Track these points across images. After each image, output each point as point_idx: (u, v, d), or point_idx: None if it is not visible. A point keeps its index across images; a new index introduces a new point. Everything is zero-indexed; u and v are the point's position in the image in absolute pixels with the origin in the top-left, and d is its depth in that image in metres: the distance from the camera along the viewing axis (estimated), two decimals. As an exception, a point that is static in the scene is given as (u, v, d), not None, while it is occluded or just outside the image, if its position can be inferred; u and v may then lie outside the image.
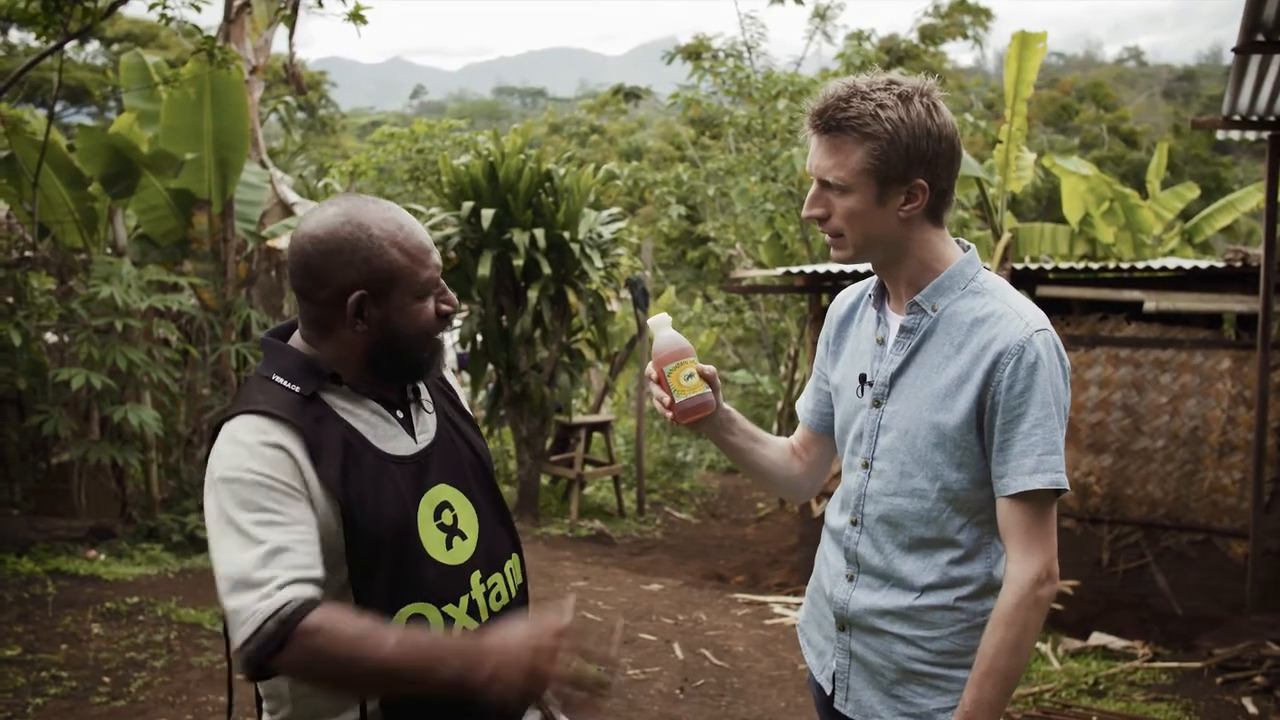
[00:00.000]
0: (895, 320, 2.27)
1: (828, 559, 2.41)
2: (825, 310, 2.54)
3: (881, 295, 2.32)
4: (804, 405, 2.58)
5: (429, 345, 2.15)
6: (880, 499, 2.25)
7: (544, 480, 11.86)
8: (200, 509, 8.44)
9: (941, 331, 2.19)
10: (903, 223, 2.16)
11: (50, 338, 8.52)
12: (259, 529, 1.87)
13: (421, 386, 2.24)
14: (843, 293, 2.49)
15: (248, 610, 1.80)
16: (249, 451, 1.94)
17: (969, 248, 2.28)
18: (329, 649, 1.80)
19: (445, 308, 2.16)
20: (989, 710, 2.11)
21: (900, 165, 2.12)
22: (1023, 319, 2.12)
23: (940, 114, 2.15)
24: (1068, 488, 2.13)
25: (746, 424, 2.50)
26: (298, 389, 2.03)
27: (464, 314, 10.63)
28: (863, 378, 2.29)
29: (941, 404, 2.16)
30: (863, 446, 2.29)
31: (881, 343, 2.28)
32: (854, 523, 2.30)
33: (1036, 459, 2.09)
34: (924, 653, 2.22)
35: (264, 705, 2.08)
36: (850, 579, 2.31)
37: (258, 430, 1.96)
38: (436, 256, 2.13)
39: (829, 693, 2.38)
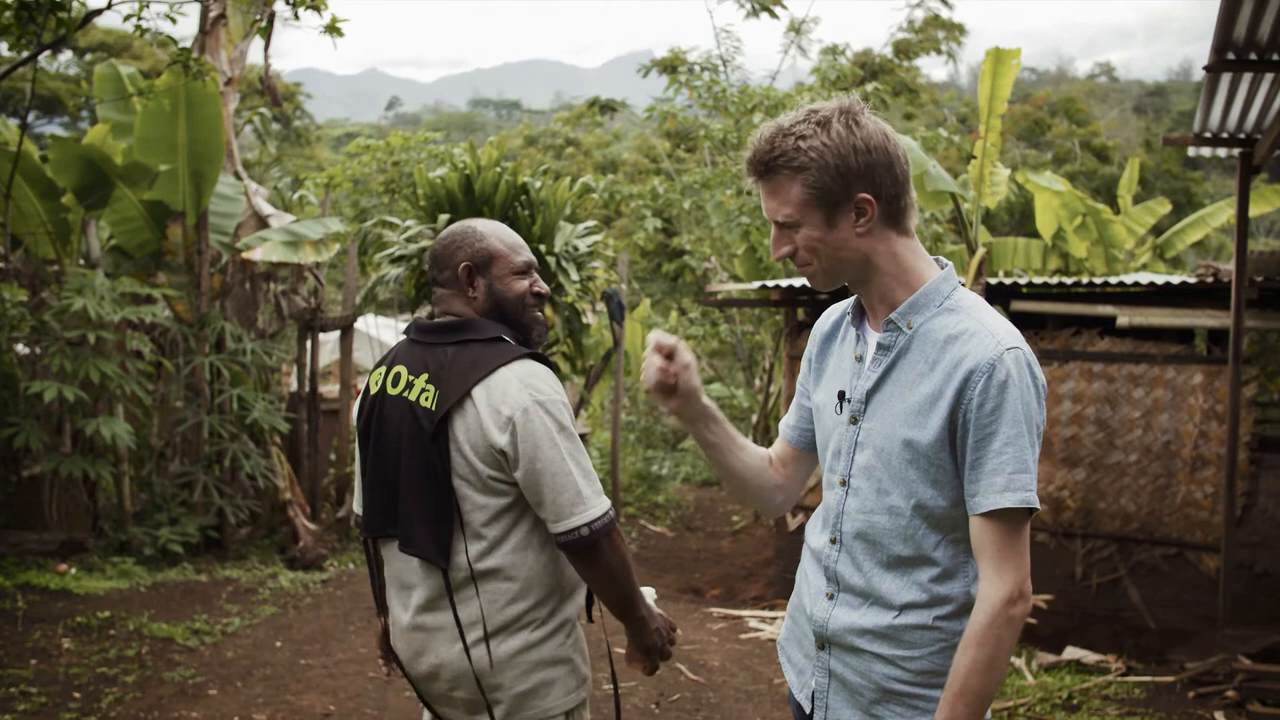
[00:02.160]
0: (873, 338, 2.28)
1: (809, 577, 2.41)
2: (800, 324, 2.59)
3: (860, 313, 2.34)
4: (786, 421, 2.59)
5: (527, 314, 2.87)
6: (858, 517, 2.25)
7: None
8: (172, 522, 8.42)
9: (916, 349, 2.20)
10: (863, 238, 2.19)
11: (22, 350, 8.46)
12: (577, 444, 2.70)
13: None
14: (827, 310, 2.52)
15: (599, 499, 2.67)
16: (553, 384, 2.71)
17: (946, 265, 2.29)
18: (621, 548, 2.73)
19: (539, 289, 2.88)
20: None
21: (838, 187, 2.16)
22: (994, 337, 2.13)
23: (861, 127, 2.18)
24: (1038, 506, 2.12)
25: (729, 426, 2.50)
26: (522, 346, 2.80)
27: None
28: (841, 395, 2.30)
29: (915, 421, 2.17)
30: (840, 464, 2.29)
31: (860, 360, 2.29)
32: (833, 541, 2.30)
33: (1007, 477, 2.09)
34: (903, 672, 2.22)
35: (485, 608, 2.71)
36: (830, 597, 2.31)
37: (541, 369, 2.71)
38: (529, 254, 2.89)
39: (808, 711, 2.37)
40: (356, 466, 2.96)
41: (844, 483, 2.29)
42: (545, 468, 2.61)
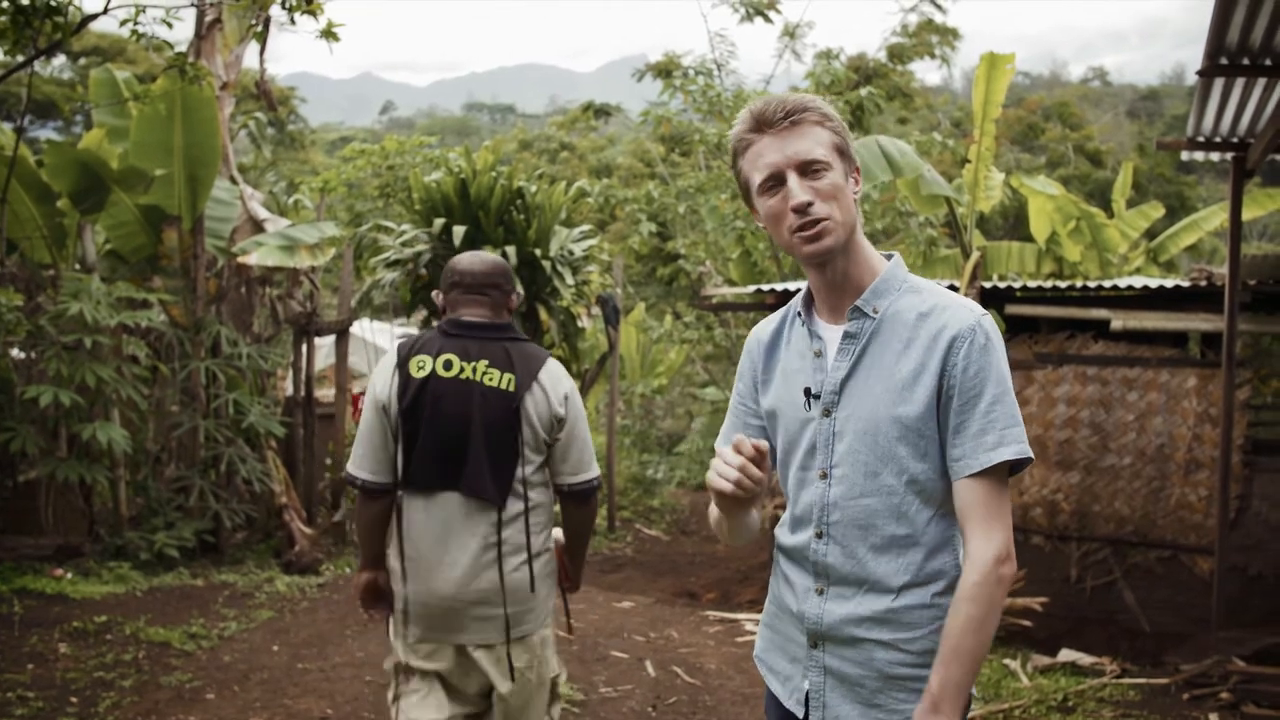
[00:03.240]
0: (832, 331, 2.33)
1: (789, 580, 2.41)
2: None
3: (809, 310, 2.39)
4: (730, 439, 2.43)
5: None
6: (846, 504, 2.27)
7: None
8: (168, 527, 8.43)
9: (887, 331, 2.26)
10: (854, 206, 2.28)
11: (17, 354, 8.45)
12: None
13: None
14: (760, 324, 2.57)
15: (596, 466, 3.70)
16: (571, 379, 3.74)
17: (893, 256, 2.37)
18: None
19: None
20: (956, 690, 2.12)
21: (848, 144, 2.29)
22: (967, 307, 2.25)
23: None
24: (1032, 455, 2.20)
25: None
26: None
27: (435, 331, 10.57)
28: (807, 391, 2.32)
29: (901, 397, 2.22)
30: (818, 458, 2.31)
31: (820, 355, 2.33)
32: (819, 535, 2.30)
33: (999, 433, 2.17)
34: (905, 655, 2.23)
35: (531, 528, 3.60)
36: (820, 593, 2.31)
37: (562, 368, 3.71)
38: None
39: (801, 716, 2.37)
40: (381, 437, 3.55)
41: (824, 475, 2.30)
42: (579, 434, 3.65)
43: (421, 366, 3.56)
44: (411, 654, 3.60)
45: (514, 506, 3.55)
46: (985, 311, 2.25)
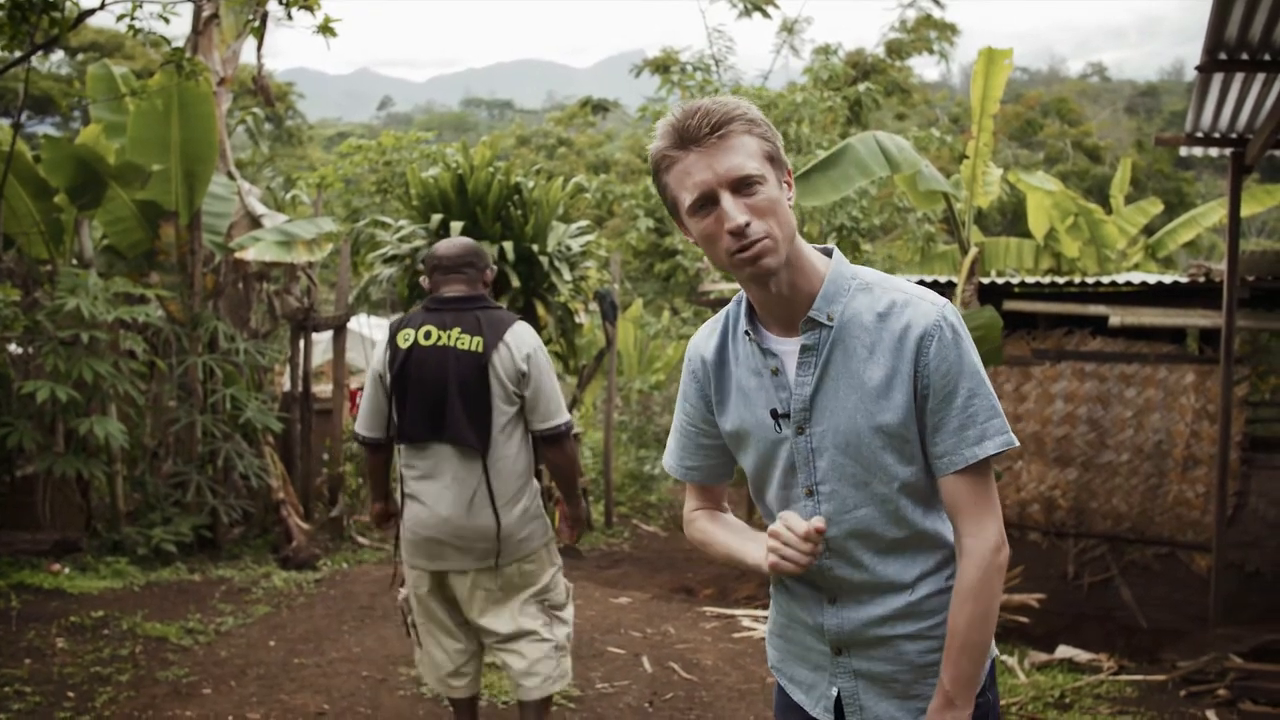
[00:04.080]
0: (786, 344, 2.21)
1: (795, 594, 2.36)
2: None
3: (754, 324, 2.25)
4: (685, 464, 2.49)
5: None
6: (841, 518, 2.20)
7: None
8: (165, 522, 8.42)
9: (847, 337, 2.15)
10: (791, 215, 2.13)
11: (15, 349, 8.44)
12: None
13: None
14: (698, 338, 2.41)
15: (565, 411, 4.31)
16: (537, 334, 4.34)
17: (832, 249, 2.25)
18: (574, 446, 4.47)
19: None
20: (968, 684, 2.13)
21: (778, 149, 2.14)
22: (927, 300, 2.15)
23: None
24: (1018, 443, 2.18)
25: (728, 537, 2.43)
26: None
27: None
28: (774, 413, 2.22)
29: (878, 406, 2.13)
30: (800, 476, 2.23)
31: (778, 373, 2.21)
32: (847, 539, 2.24)
33: (980, 427, 2.12)
34: (934, 641, 2.21)
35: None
36: (834, 601, 2.27)
37: (529, 326, 4.33)
38: None
39: None
40: (377, 401, 4.36)
41: (811, 493, 2.23)
42: (545, 386, 4.26)
43: (407, 338, 4.27)
44: (412, 581, 4.45)
45: (496, 451, 4.22)
46: (944, 300, 2.16)
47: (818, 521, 2.10)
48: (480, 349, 4.17)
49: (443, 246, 4.42)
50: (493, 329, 4.22)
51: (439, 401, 4.19)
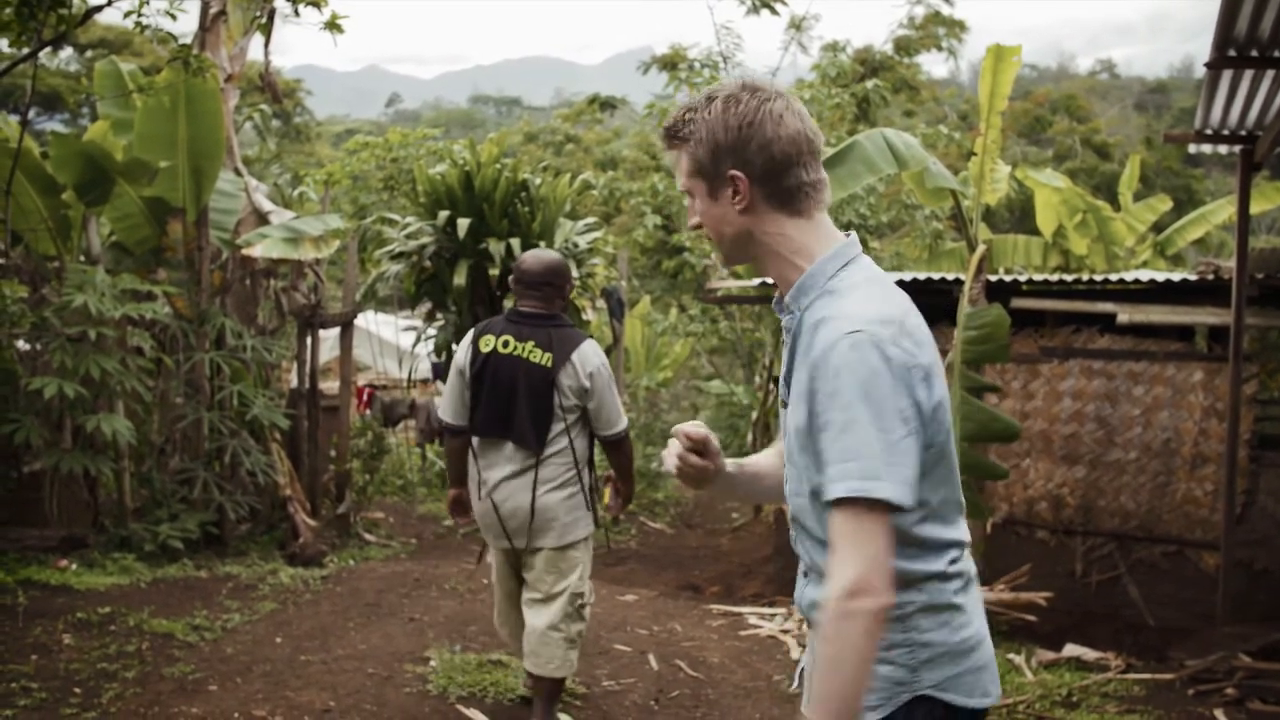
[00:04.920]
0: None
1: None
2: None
3: (779, 301, 2.35)
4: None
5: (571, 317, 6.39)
6: (791, 499, 2.30)
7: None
8: (172, 519, 8.44)
9: (802, 333, 2.20)
10: (744, 215, 2.23)
11: (22, 346, 8.45)
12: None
13: None
14: None
15: (624, 418, 5.08)
16: (603, 352, 5.02)
17: (839, 241, 2.25)
18: (630, 445, 5.38)
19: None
20: None
21: (709, 161, 2.23)
22: (839, 322, 2.07)
23: (739, 104, 2.21)
24: (870, 495, 1.97)
25: (750, 465, 2.53)
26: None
27: (439, 323, 10.61)
28: (777, 380, 2.34)
29: (795, 408, 2.18)
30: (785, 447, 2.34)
31: (783, 344, 2.33)
32: (791, 520, 2.34)
33: (840, 466, 2.00)
34: None
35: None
36: (805, 575, 2.34)
37: (596, 345, 5.01)
38: None
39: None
40: (461, 395, 5.04)
41: (786, 462, 2.33)
42: (606, 400, 4.96)
43: (488, 344, 4.94)
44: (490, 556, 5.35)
45: (549, 451, 4.92)
46: (861, 327, 2.04)
47: (691, 426, 2.37)
48: (549, 364, 4.85)
49: (528, 261, 5.05)
50: (562, 346, 4.88)
51: (508, 404, 4.88)
